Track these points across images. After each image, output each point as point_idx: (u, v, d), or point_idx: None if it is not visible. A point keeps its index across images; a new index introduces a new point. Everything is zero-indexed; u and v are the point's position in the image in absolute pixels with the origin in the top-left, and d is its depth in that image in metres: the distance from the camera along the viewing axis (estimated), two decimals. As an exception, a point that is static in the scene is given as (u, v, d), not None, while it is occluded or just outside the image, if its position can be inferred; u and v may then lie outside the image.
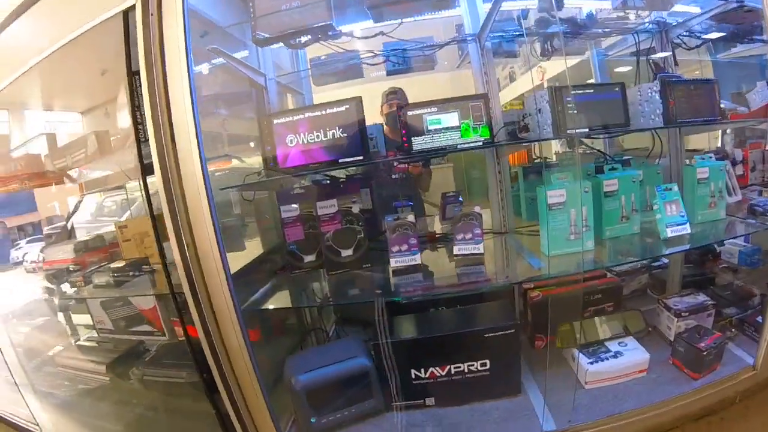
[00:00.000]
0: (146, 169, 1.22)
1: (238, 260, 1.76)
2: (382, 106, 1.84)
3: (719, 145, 2.26)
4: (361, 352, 1.45)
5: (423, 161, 1.74)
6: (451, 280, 1.36)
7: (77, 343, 2.08)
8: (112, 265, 1.71)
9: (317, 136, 1.33)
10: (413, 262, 1.37)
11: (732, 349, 1.61)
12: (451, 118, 1.30)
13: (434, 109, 1.31)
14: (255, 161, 1.55)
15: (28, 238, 2.47)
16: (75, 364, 1.95)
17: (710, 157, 1.56)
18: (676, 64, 1.70)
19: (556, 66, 1.89)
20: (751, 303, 1.72)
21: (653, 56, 1.71)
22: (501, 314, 1.44)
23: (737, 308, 1.70)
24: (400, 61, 1.67)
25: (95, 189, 2.17)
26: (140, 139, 1.25)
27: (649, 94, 1.42)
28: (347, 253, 1.43)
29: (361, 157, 1.30)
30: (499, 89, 1.66)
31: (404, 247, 1.38)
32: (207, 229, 1.18)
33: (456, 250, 1.39)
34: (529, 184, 1.62)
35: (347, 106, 1.31)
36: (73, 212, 2.22)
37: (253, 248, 1.75)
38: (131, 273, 1.67)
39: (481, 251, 1.37)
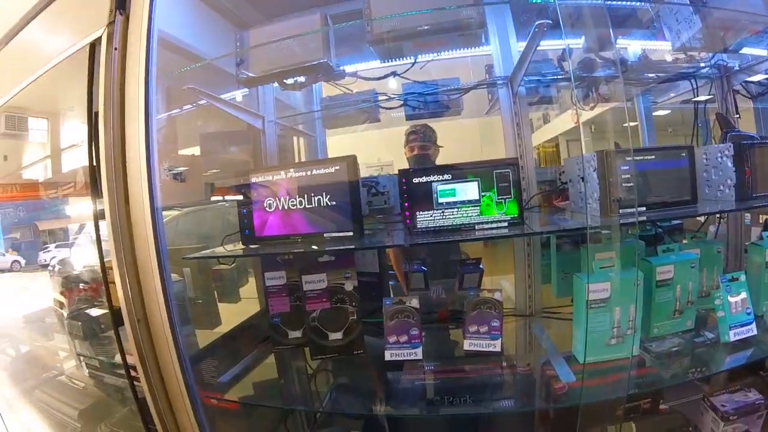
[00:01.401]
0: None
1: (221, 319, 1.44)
2: (405, 148, 1.46)
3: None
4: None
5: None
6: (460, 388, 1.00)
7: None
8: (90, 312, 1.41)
9: (300, 202, 0.98)
10: (413, 357, 1.02)
11: None
12: (470, 189, 0.93)
13: (447, 177, 0.93)
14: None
15: (56, 243, 2.28)
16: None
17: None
18: (737, 114, 1.28)
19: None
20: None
21: (710, 105, 1.29)
22: (520, 419, 1.08)
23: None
24: (420, 105, 1.29)
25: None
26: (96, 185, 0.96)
27: (719, 159, 1.03)
28: (336, 336, 1.10)
29: (350, 233, 0.93)
30: (532, 132, 1.27)
31: (403, 338, 1.04)
32: (155, 285, 0.86)
33: (467, 345, 1.04)
34: (563, 256, 1.23)
35: (338, 167, 0.96)
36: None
37: (238, 308, 1.42)
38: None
39: (498, 349, 1.02)
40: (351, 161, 0.98)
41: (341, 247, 0.99)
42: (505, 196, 0.94)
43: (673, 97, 1.47)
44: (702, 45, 1.26)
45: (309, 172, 0.99)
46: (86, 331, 1.43)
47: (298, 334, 1.17)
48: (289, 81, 1.23)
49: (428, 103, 1.31)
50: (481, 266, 1.22)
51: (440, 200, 0.94)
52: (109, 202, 0.91)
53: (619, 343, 0.99)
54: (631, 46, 1.28)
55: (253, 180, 1.03)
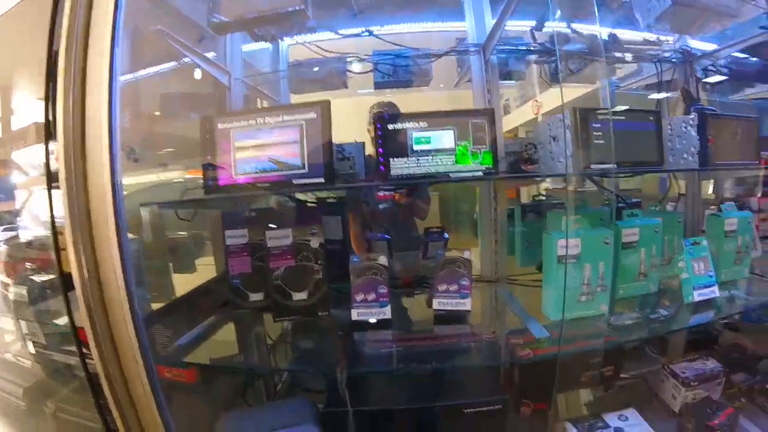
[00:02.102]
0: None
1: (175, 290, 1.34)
2: (368, 125, 1.43)
3: (710, 191, 1.93)
4: (309, 418, 1.03)
5: (413, 189, 1.34)
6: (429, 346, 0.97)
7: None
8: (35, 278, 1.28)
9: (271, 149, 0.92)
10: (381, 316, 0.98)
11: (742, 422, 1.27)
12: (445, 138, 0.91)
13: (423, 124, 0.91)
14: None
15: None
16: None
17: (732, 206, 1.21)
18: (698, 99, 1.35)
19: (552, 100, 1.52)
20: (761, 367, 1.39)
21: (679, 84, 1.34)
22: (485, 384, 1.05)
23: (745, 374, 1.36)
24: (390, 71, 1.26)
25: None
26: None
27: (683, 129, 1.07)
28: (300, 296, 1.04)
29: (321, 180, 0.89)
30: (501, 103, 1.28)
31: (371, 296, 0.99)
32: (111, 251, 0.76)
33: (436, 304, 1.01)
34: (527, 225, 1.24)
35: (312, 114, 0.91)
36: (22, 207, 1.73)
37: (193, 279, 1.32)
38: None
39: (468, 308, 0.99)
40: (324, 107, 0.94)
41: (312, 181, 0.93)
42: (480, 146, 0.92)
43: (639, 80, 1.53)
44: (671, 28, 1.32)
45: (281, 118, 0.94)
46: (32, 298, 1.29)
47: (259, 296, 1.10)
48: (261, 32, 1.18)
49: (398, 68, 1.28)
50: (445, 235, 1.20)
51: (415, 148, 0.92)
52: (64, 148, 0.80)
53: (590, 300, 0.99)
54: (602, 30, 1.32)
55: (220, 126, 0.97)
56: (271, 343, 1.09)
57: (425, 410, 1.02)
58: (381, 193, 1.39)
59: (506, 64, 1.36)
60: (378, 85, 1.38)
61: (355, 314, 0.99)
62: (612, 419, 1.17)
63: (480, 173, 0.90)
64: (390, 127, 0.92)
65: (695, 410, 1.18)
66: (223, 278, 1.17)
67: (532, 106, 2.08)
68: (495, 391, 1.04)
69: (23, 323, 1.41)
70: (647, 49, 1.36)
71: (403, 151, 0.91)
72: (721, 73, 1.42)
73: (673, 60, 1.41)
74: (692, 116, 1.07)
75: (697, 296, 1.05)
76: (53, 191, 0.85)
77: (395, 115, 0.93)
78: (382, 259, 1.01)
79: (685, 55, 1.39)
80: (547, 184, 1.71)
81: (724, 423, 1.13)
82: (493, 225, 1.19)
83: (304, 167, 0.94)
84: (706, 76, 1.44)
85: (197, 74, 1.32)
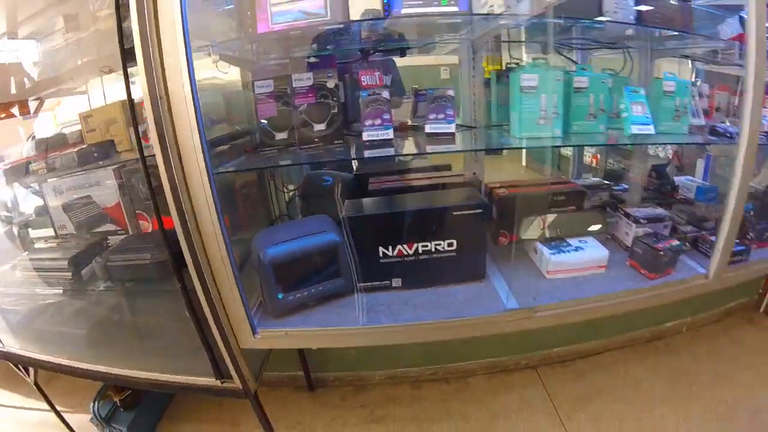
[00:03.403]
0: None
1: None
2: None
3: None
4: (331, 227, 1.35)
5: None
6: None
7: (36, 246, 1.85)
8: (76, 149, 1.57)
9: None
10: (386, 137, 1.28)
11: (687, 260, 1.58)
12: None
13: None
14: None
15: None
16: (36, 265, 1.75)
17: (674, 74, 1.51)
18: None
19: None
20: (706, 225, 1.68)
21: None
22: (469, 197, 1.36)
23: (693, 227, 1.66)
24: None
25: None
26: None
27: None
28: (320, 127, 1.34)
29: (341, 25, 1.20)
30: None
31: (378, 121, 1.30)
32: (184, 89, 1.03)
33: (428, 129, 1.32)
34: (502, 87, 1.54)
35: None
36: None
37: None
38: (95, 153, 1.54)
39: (453, 130, 1.29)
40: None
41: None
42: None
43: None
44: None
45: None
46: (79, 161, 1.56)
47: (284, 135, 1.40)
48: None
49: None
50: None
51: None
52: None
53: (547, 123, 1.29)
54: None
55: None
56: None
57: (425, 212, 1.32)
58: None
59: None
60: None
61: (365, 135, 1.30)
62: (574, 241, 1.47)
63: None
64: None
65: (644, 238, 1.47)
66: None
67: None
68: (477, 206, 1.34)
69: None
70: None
71: None
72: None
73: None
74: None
75: (635, 130, 1.35)
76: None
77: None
78: (385, 93, 1.32)
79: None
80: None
81: (667, 248, 1.42)
82: (471, 89, 1.50)
83: (327, 15, 1.25)
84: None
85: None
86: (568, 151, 2.64)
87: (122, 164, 1.56)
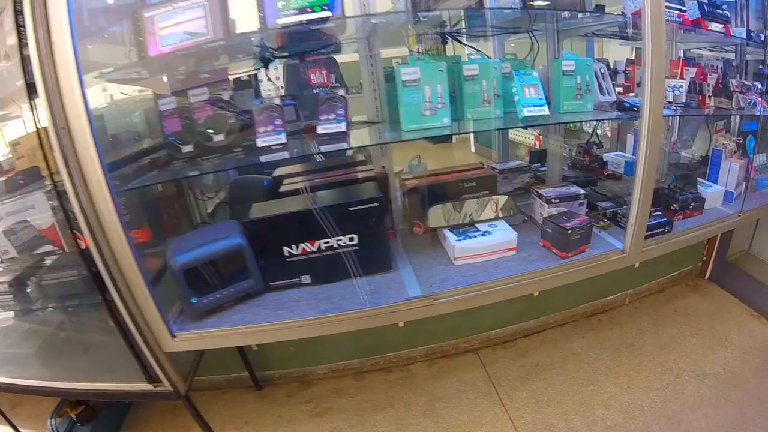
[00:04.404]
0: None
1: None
2: None
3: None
4: (236, 232, 1.41)
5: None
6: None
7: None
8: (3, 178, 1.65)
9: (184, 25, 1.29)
10: (279, 142, 1.34)
11: (605, 236, 1.62)
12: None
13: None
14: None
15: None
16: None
17: (574, 53, 1.54)
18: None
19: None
20: (628, 200, 1.71)
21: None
22: (368, 192, 1.41)
23: (613, 203, 1.68)
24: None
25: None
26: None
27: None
28: (219, 138, 1.40)
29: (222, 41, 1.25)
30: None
31: (270, 127, 1.35)
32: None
33: (320, 129, 1.36)
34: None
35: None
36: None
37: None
38: (21, 180, 1.63)
39: (343, 129, 1.34)
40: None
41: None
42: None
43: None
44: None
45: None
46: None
47: (190, 148, 1.47)
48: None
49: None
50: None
51: None
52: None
53: (433, 114, 1.34)
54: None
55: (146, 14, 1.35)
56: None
57: (323, 211, 1.38)
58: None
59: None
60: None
61: (260, 142, 1.36)
62: (483, 226, 1.52)
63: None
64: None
65: (554, 218, 1.51)
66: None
67: None
68: (377, 200, 1.39)
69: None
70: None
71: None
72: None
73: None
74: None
75: (527, 112, 1.38)
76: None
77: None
78: (276, 101, 1.37)
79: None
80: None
81: (577, 226, 1.46)
82: (372, 84, 1.54)
83: (209, 34, 1.32)
84: None
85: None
86: (516, 136, 2.67)
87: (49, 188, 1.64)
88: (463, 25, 1.58)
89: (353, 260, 1.41)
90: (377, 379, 1.84)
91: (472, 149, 2.49)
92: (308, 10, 1.27)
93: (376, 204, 1.36)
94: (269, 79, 1.76)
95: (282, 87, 1.77)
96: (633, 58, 2.12)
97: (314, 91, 1.63)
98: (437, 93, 1.33)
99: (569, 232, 1.44)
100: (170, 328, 1.36)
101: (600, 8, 1.56)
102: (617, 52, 2.08)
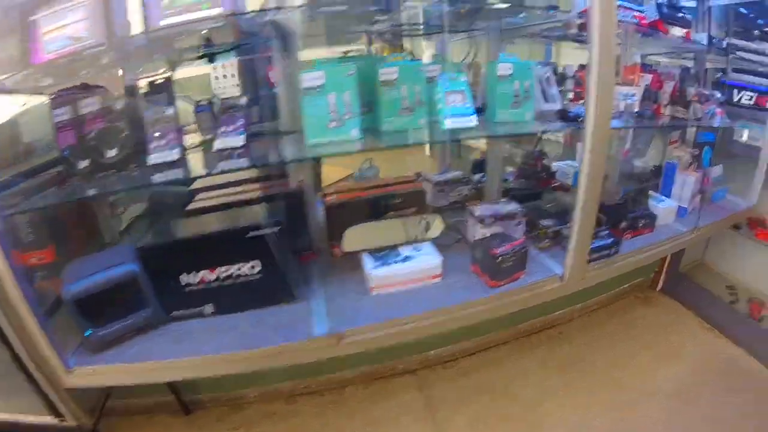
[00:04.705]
0: None
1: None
2: None
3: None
4: (131, 258, 1.14)
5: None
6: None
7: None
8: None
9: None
10: (171, 158, 1.06)
11: (545, 259, 1.34)
12: None
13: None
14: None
15: None
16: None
17: (512, 56, 1.24)
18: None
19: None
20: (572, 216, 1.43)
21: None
22: (275, 213, 1.14)
23: (557, 221, 1.40)
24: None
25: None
26: None
27: None
28: (112, 153, 1.13)
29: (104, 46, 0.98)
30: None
31: (163, 141, 1.07)
32: None
33: (217, 144, 1.08)
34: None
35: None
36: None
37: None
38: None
39: (242, 143, 1.06)
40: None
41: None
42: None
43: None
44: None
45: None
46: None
47: (86, 163, 1.19)
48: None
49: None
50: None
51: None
52: None
53: (339, 126, 1.06)
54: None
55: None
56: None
57: (218, 237, 1.12)
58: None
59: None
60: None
61: (152, 158, 1.08)
62: (407, 249, 1.24)
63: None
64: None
65: (484, 241, 1.23)
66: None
67: None
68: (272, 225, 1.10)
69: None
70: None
71: None
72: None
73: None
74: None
75: (450, 124, 1.09)
76: None
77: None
78: (170, 111, 1.10)
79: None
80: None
81: (508, 252, 1.18)
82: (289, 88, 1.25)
83: (90, 38, 1.04)
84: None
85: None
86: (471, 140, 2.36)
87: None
88: (395, 22, 1.28)
89: (257, 290, 1.14)
90: (310, 403, 1.57)
91: (427, 152, 2.20)
92: (194, 8, 1.00)
93: (276, 229, 1.09)
94: (224, 77, 1.50)
95: (238, 85, 1.51)
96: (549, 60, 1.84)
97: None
98: (344, 101, 1.05)
99: (499, 259, 1.16)
100: (66, 362, 1.10)
101: (554, 7, 1.28)
102: (577, 56, 1.78)
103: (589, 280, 1.29)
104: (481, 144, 2.31)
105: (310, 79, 1.02)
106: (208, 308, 1.17)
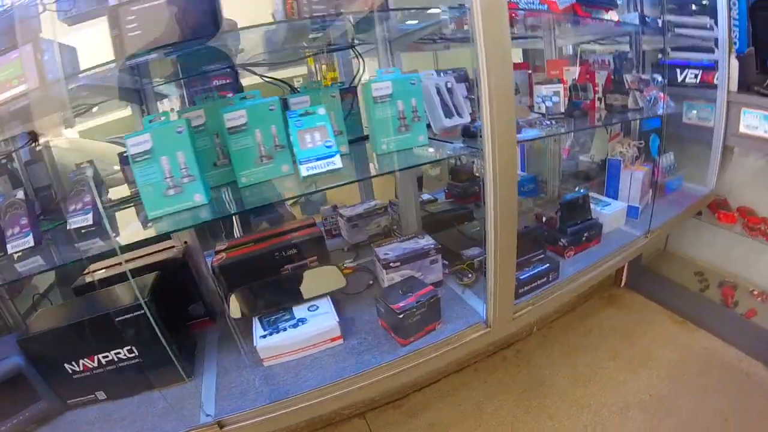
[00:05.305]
0: None
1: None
2: None
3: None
4: (14, 351, 0.87)
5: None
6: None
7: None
8: None
9: None
10: (28, 245, 0.78)
11: (470, 298, 0.95)
12: None
13: None
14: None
15: None
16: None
17: (394, 71, 0.87)
18: None
19: None
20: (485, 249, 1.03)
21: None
22: (142, 291, 0.83)
23: (484, 249, 1.00)
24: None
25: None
26: None
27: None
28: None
29: None
30: None
31: (16, 229, 0.80)
32: None
33: (70, 224, 0.78)
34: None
35: None
36: None
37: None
38: None
39: (92, 222, 0.76)
40: None
41: None
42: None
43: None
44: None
45: None
46: None
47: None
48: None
49: None
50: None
51: None
52: None
53: (179, 192, 0.73)
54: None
55: None
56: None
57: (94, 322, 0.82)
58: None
59: None
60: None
61: (9, 248, 0.81)
62: (301, 310, 0.90)
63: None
64: None
65: (388, 291, 0.87)
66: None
67: None
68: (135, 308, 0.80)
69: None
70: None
71: None
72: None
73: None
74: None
75: (306, 171, 0.74)
76: None
77: None
78: (20, 194, 0.82)
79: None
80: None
81: (412, 304, 0.82)
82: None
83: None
84: None
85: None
86: (435, 170, 1.88)
87: None
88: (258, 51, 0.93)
89: (143, 372, 0.84)
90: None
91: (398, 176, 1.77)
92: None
93: (141, 311, 0.78)
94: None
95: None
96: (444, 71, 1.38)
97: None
98: (179, 163, 0.72)
99: (401, 315, 0.79)
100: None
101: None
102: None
103: (523, 319, 0.90)
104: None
105: (134, 144, 0.70)
106: (100, 394, 0.89)
